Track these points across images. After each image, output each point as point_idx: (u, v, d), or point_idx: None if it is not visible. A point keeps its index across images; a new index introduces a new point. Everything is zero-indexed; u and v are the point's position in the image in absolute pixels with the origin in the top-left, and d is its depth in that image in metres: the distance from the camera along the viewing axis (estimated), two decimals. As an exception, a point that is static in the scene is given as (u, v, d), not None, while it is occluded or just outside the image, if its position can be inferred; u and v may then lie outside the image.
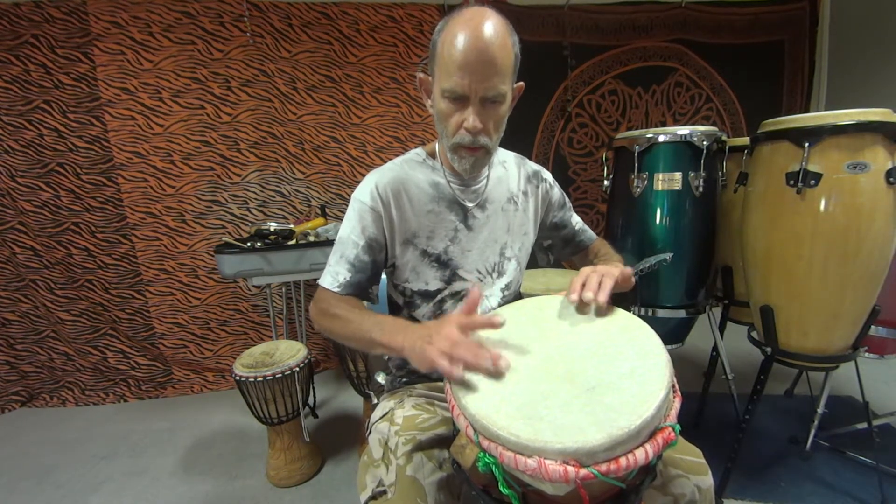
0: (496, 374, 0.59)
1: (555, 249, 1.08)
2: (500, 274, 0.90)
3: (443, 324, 0.64)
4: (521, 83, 0.82)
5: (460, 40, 0.70)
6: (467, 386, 0.59)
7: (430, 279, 0.87)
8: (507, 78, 0.74)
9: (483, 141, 0.77)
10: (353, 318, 0.76)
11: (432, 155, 0.90)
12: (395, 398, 0.88)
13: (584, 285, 0.69)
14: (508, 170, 0.94)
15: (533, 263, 1.07)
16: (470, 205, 0.88)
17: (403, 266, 0.87)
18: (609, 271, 0.71)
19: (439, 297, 0.88)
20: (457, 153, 0.80)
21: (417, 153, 0.90)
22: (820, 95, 3.05)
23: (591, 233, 1.06)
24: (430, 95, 0.81)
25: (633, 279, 0.78)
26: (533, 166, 0.98)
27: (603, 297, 0.67)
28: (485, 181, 0.90)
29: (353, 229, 0.83)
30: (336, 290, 0.82)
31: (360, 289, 0.84)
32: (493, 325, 0.64)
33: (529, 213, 0.95)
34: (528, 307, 0.76)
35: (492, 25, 0.71)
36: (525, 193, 0.94)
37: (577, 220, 1.05)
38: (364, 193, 0.83)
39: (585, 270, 0.72)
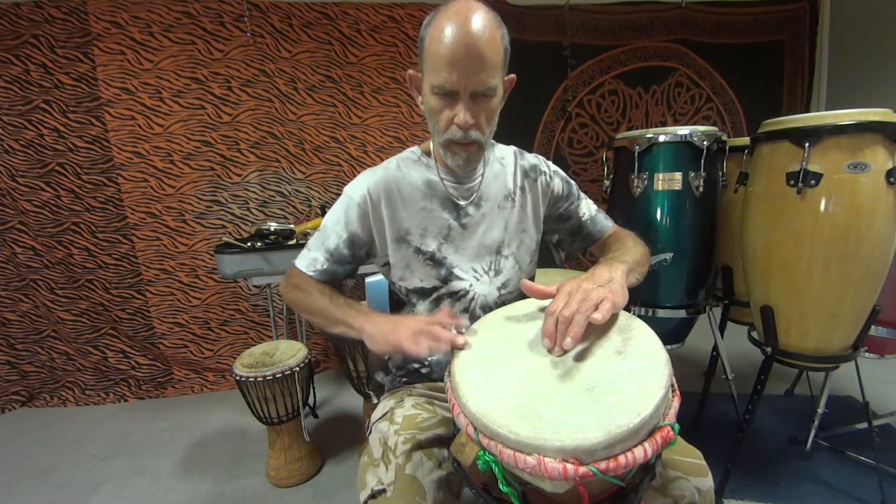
0: (459, 346, 0.66)
1: (564, 245, 1.01)
2: (497, 273, 0.89)
3: (410, 317, 0.72)
4: (513, 76, 0.81)
5: (447, 35, 0.69)
6: (466, 381, 0.59)
7: (425, 277, 0.87)
8: (496, 71, 0.73)
9: (475, 136, 0.77)
10: (321, 297, 0.82)
11: (427, 153, 0.90)
12: (394, 398, 0.88)
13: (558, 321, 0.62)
14: (506, 166, 0.92)
15: (548, 261, 1.03)
16: (463, 202, 0.87)
17: (397, 263, 0.87)
18: (589, 295, 0.62)
19: (435, 294, 0.87)
20: (449, 149, 0.80)
21: (413, 151, 0.91)
22: (820, 95, 3.05)
23: (603, 222, 0.97)
24: (420, 92, 0.81)
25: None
26: (531, 159, 0.95)
27: (570, 341, 0.59)
28: (480, 178, 0.89)
29: (338, 221, 0.85)
30: (311, 274, 0.85)
31: (335, 278, 0.87)
32: (456, 343, 0.67)
33: (528, 209, 0.92)
34: (528, 307, 0.76)
35: (479, 19, 0.70)
36: (522, 189, 0.91)
37: (585, 210, 0.96)
38: (355, 190, 0.85)
39: (560, 296, 0.64)
